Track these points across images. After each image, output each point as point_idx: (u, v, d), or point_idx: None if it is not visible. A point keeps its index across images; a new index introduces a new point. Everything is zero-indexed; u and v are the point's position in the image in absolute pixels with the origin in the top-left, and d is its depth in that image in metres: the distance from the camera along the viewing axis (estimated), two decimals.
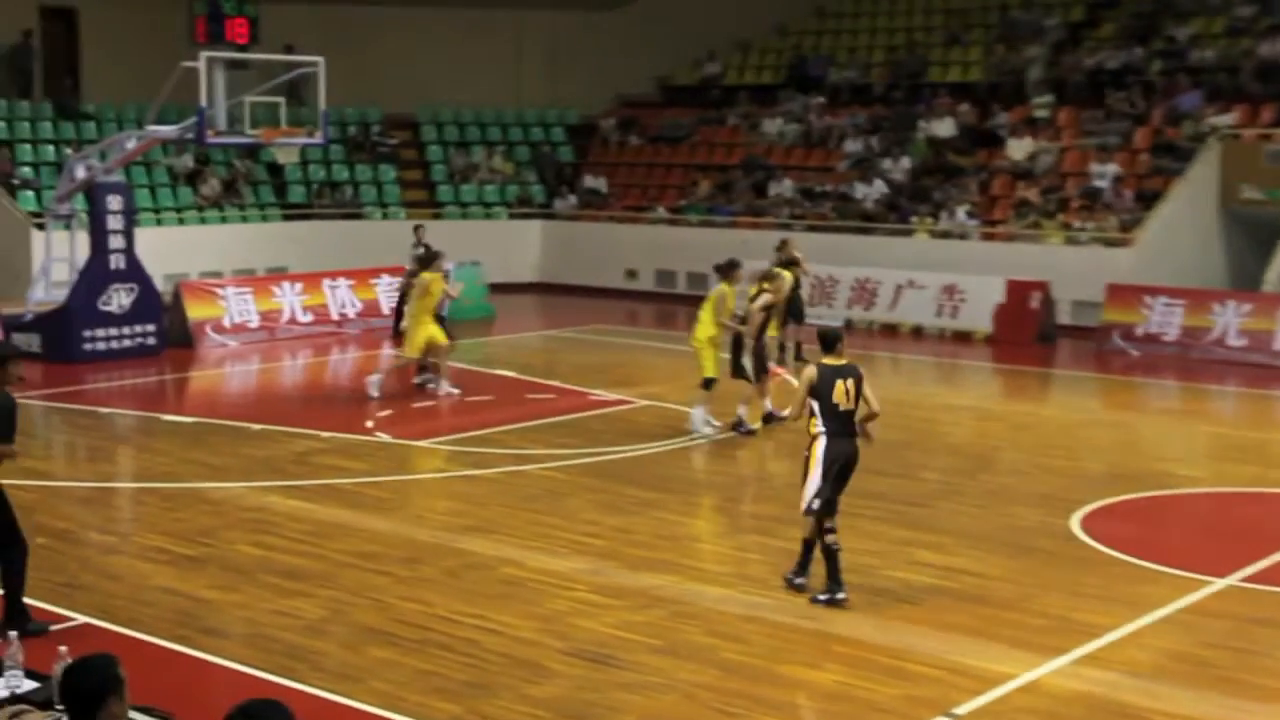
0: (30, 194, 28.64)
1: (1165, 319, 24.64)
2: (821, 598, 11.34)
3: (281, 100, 23.55)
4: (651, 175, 34.65)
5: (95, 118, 31.51)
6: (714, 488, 16.09)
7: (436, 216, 33.15)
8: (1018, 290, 26.01)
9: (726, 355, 17.80)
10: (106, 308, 22.69)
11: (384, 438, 17.43)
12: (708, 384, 17.57)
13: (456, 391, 19.96)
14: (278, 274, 27.93)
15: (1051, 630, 10.86)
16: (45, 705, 6.80)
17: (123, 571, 12.16)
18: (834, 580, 11.37)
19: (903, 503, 14.59)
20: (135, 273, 23.09)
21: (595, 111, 36.67)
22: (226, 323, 24.79)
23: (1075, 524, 13.79)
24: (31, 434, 17.00)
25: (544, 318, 29.57)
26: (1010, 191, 28.97)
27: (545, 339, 26.54)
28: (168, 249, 27.55)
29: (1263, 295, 24.70)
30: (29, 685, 7.60)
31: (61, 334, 22.47)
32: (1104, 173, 27.80)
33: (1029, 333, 25.77)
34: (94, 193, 22.85)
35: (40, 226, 25.57)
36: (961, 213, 28.53)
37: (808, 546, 11.62)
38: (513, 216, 34.02)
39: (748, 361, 17.70)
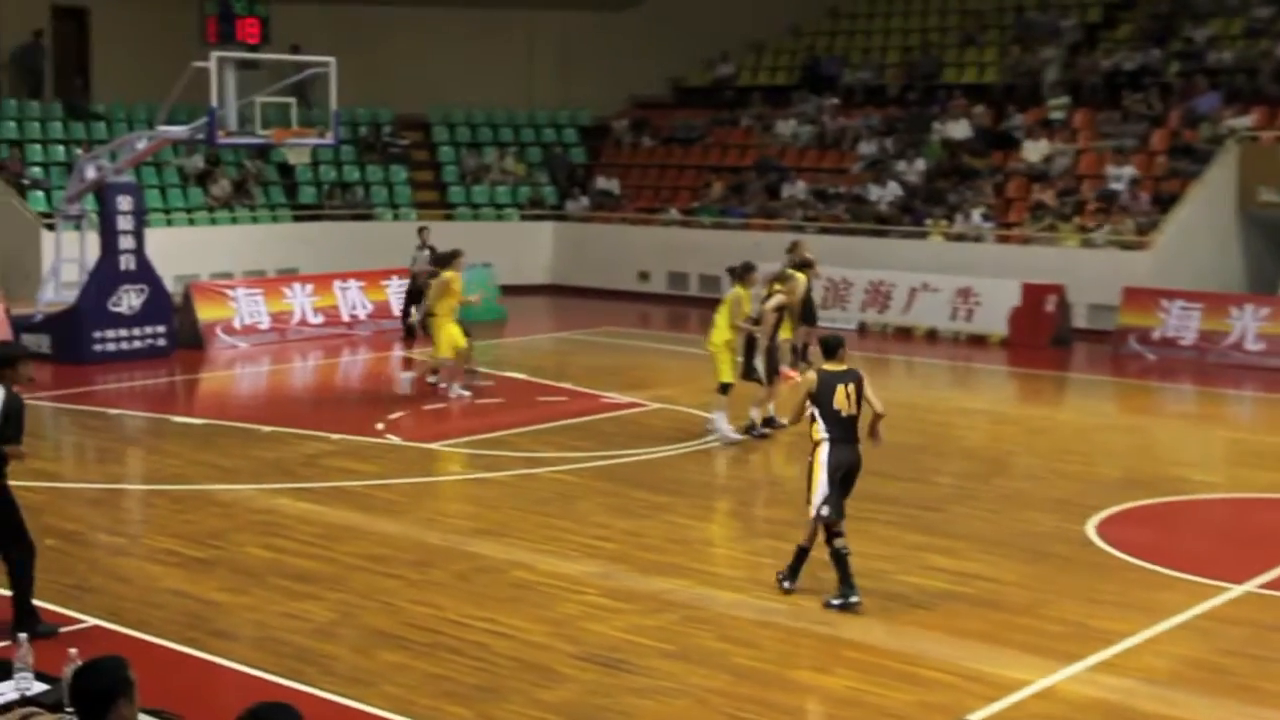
0: (40, 194, 28.65)
1: (1182, 323, 24.51)
2: (835, 602, 11.26)
3: (292, 101, 23.54)
4: (664, 177, 34.57)
5: (106, 118, 31.51)
6: (726, 491, 16.01)
7: (448, 218, 33.14)
8: (1033, 293, 25.88)
9: (741, 358, 17.70)
10: (116, 309, 22.65)
11: (394, 440, 17.36)
12: (724, 389, 17.47)
13: (467, 394, 19.88)
14: (288, 275, 27.88)
15: (1067, 636, 10.76)
16: (55, 708, 6.75)
17: (132, 574, 12.11)
18: (846, 584, 11.29)
19: (916, 507, 14.49)
20: (145, 274, 23.06)
21: (608, 112, 36.60)
22: (237, 324, 24.75)
23: (1091, 529, 13.69)
24: (41, 435, 16.96)
25: (555, 320, 29.51)
26: (1026, 194, 28.85)
27: (557, 341, 26.47)
28: (178, 250, 27.53)
29: None
30: (39, 687, 7.56)
31: (71, 335, 22.44)
32: (1120, 175, 27.67)
33: (1044, 336, 25.64)
34: (104, 193, 22.83)
35: (50, 227, 25.56)
36: (976, 215, 28.42)
37: (802, 553, 11.59)
38: (524, 218, 33.96)
39: (760, 363, 17.61)
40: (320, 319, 25.95)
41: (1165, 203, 26.87)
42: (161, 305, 23.33)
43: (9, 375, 10.21)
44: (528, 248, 32.82)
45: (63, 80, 32.41)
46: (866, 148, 31.65)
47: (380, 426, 17.99)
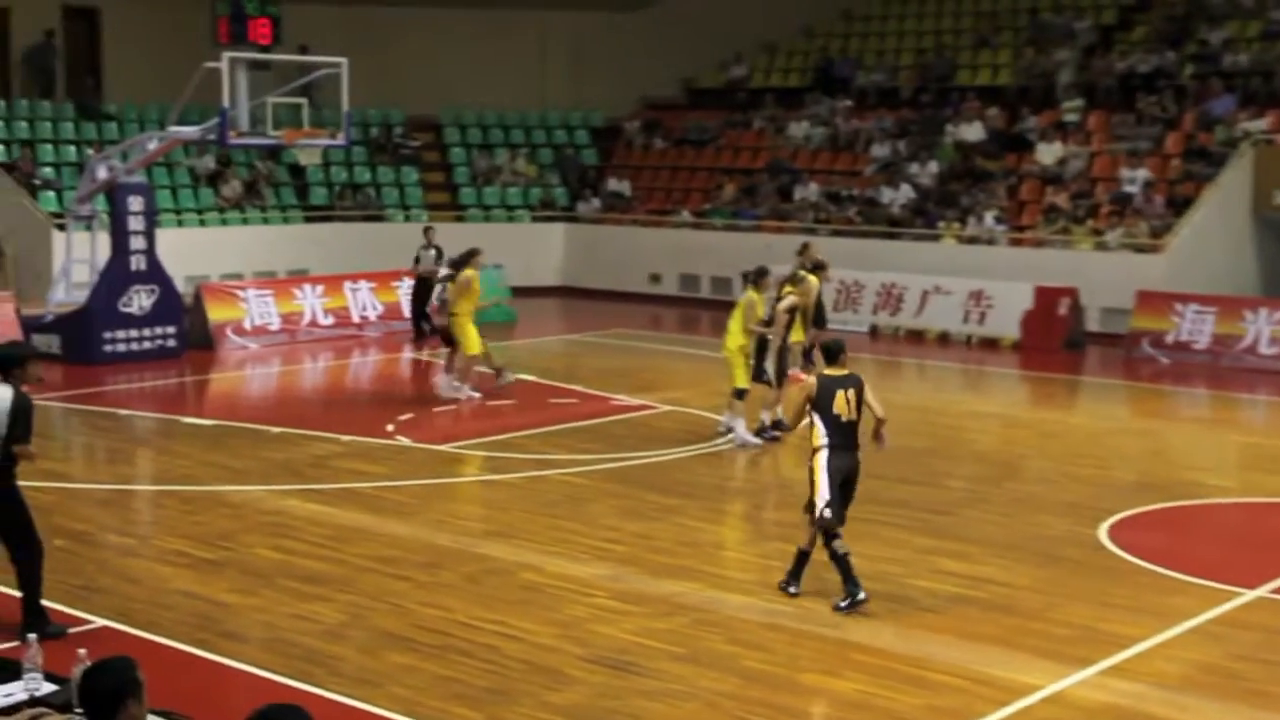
0: (51, 194, 28.67)
1: (1196, 326, 24.44)
2: (843, 604, 11.22)
3: (304, 101, 23.54)
4: (676, 178, 34.53)
5: (117, 118, 31.54)
6: (736, 494, 15.98)
7: (459, 219, 33.13)
8: (1046, 297, 25.80)
9: (752, 360, 17.66)
10: (127, 309, 22.64)
11: (404, 442, 17.33)
12: (740, 395, 17.42)
13: (478, 395, 19.85)
14: (299, 276, 27.88)
15: (1078, 641, 10.72)
16: (64, 708, 6.77)
17: (141, 574, 12.10)
18: (850, 583, 11.26)
19: (927, 510, 14.45)
20: (156, 274, 23.05)
21: (619, 114, 36.57)
22: (247, 325, 24.75)
23: (1103, 533, 13.63)
24: (50, 435, 16.98)
25: (566, 321, 29.49)
26: (1039, 197, 28.78)
27: (567, 343, 26.44)
28: (189, 250, 27.53)
29: None
30: (48, 688, 7.58)
31: (81, 335, 22.44)
32: (1134, 178, 27.60)
33: (1057, 340, 25.57)
34: (115, 193, 22.83)
35: (61, 227, 25.58)
36: (989, 218, 28.35)
37: (803, 556, 11.57)
38: (535, 219, 33.95)
39: (770, 365, 17.57)
40: (331, 320, 25.95)
41: (1179, 206, 26.78)
42: (172, 306, 23.32)
43: (18, 375, 10.21)
44: (539, 249, 32.80)
45: (74, 80, 32.45)
46: (879, 150, 31.59)
47: (390, 428, 17.97)
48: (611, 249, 32.81)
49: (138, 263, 22.82)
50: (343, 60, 23.46)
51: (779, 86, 35.51)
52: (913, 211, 29.58)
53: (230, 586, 11.69)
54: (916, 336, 27.08)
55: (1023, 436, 19.17)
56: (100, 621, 10.72)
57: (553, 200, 34.52)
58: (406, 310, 26.34)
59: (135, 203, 22.82)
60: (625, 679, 9.83)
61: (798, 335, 18.48)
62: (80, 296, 23.17)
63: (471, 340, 19.60)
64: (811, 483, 11.45)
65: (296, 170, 32.15)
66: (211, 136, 23.33)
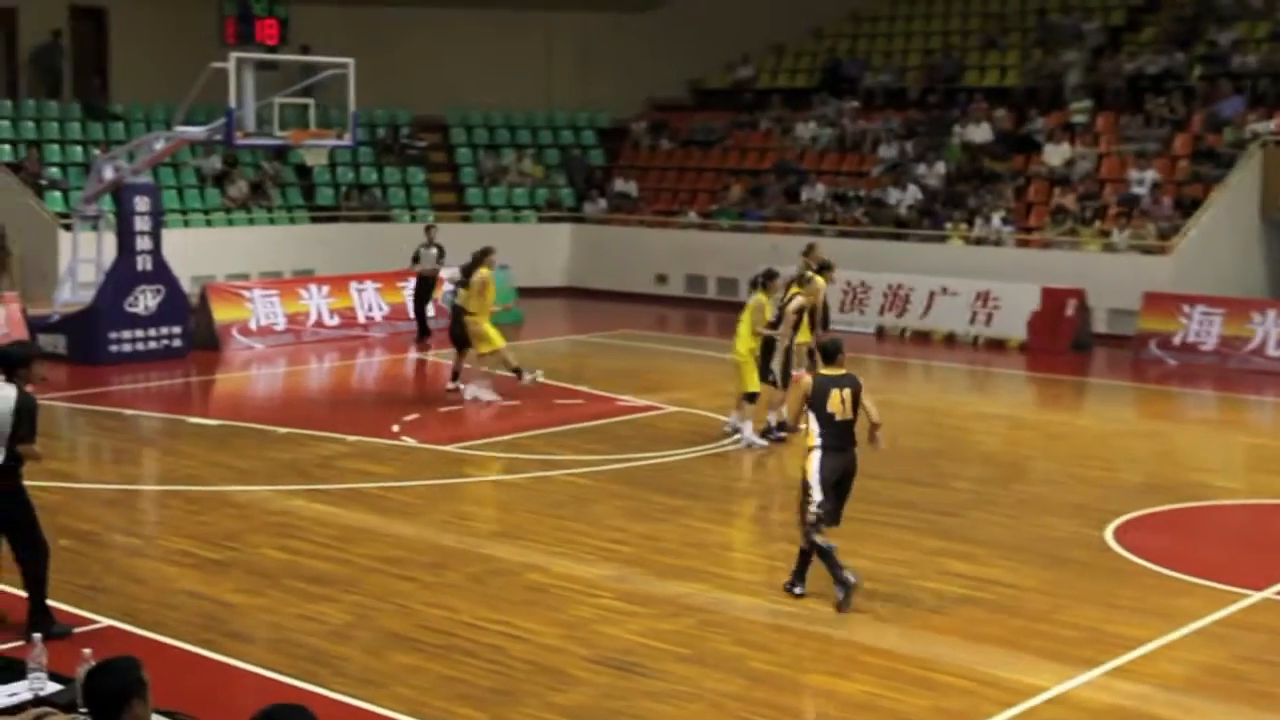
0: (58, 194, 28.68)
1: (1203, 328, 24.40)
2: (840, 599, 11.25)
3: (310, 102, 23.51)
4: (682, 179, 34.51)
5: (124, 118, 31.55)
6: (742, 495, 15.96)
7: (465, 219, 33.14)
8: (1053, 298, 25.77)
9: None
10: (133, 309, 22.65)
11: (410, 442, 17.33)
12: (751, 398, 17.40)
13: (471, 397, 19.84)
14: (304, 276, 27.88)
15: (1083, 642, 10.70)
16: (69, 708, 6.77)
17: (147, 574, 12.10)
18: (836, 570, 11.31)
19: (934, 512, 14.43)
20: (162, 274, 23.06)
21: (626, 114, 36.56)
22: (253, 325, 24.75)
23: (1109, 535, 13.61)
24: (56, 435, 16.98)
25: (572, 322, 29.47)
26: (1046, 198, 28.74)
27: (573, 344, 26.42)
28: (195, 251, 27.55)
29: None
30: (53, 688, 7.60)
31: (87, 335, 22.45)
32: (1142, 179, 27.55)
33: (1064, 341, 25.54)
34: (121, 194, 22.84)
35: (67, 227, 25.59)
36: (996, 219, 28.31)
37: (805, 556, 11.57)
38: (542, 220, 33.93)
39: (776, 365, 17.55)
40: (336, 320, 25.95)
41: (1187, 207, 26.73)
42: (178, 306, 23.33)
43: (22, 375, 10.21)
44: (545, 250, 32.78)
45: (81, 80, 32.47)
46: (886, 151, 31.56)
47: (396, 428, 17.96)
48: (618, 250, 32.79)
49: (144, 263, 22.83)
50: (349, 61, 23.46)
51: (786, 87, 35.47)
52: (920, 212, 29.55)
53: (236, 587, 11.69)
54: (923, 337, 27.05)
55: (1029, 438, 19.15)
56: (105, 621, 10.73)
57: (559, 201, 34.51)
58: (412, 310, 26.31)
59: (141, 203, 22.83)
60: (630, 680, 9.82)
61: (804, 336, 18.45)
62: (86, 296, 23.18)
63: (493, 337, 19.60)
64: (803, 484, 11.48)
65: (303, 170, 32.16)
66: (218, 137, 23.32)
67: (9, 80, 31.70)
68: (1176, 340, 24.59)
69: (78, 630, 10.30)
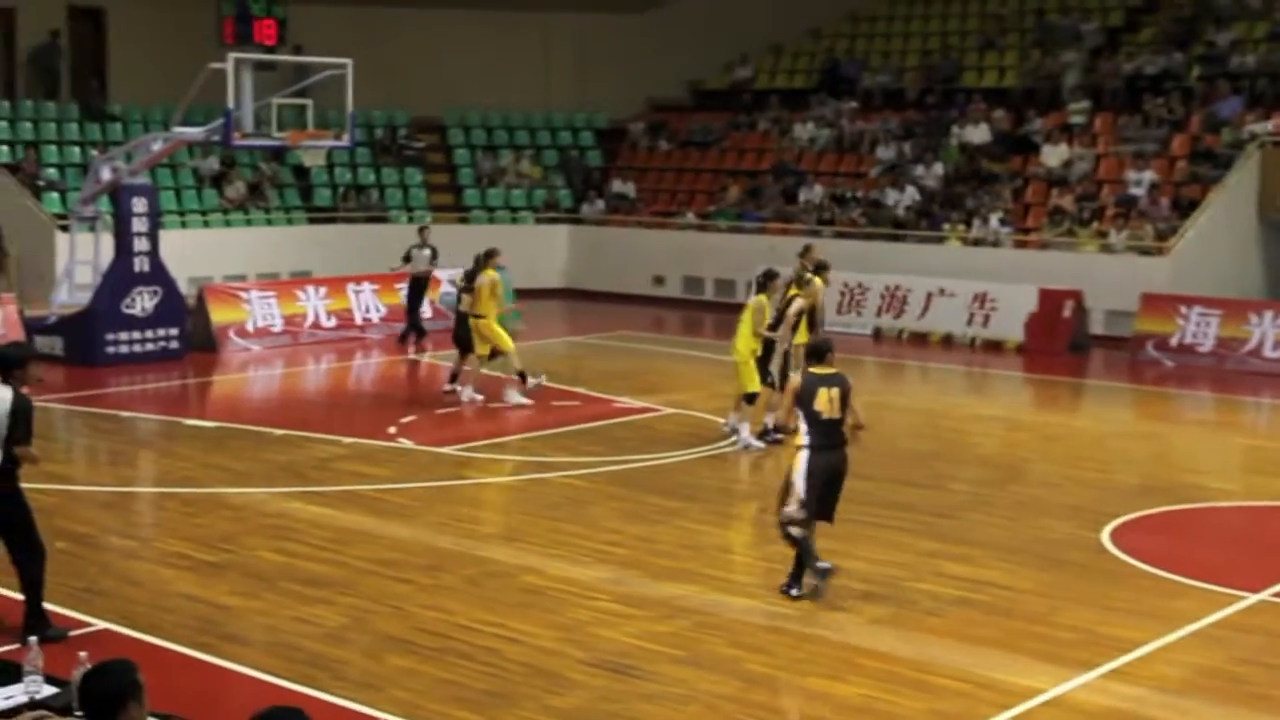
0: (55, 195, 28.67)
1: (1200, 329, 24.40)
2: (817, 583, 11.39)
3: (308, 103, 23.50)
4: (680, 180, 34.50)
5: (122, 119, 31.54)
6: (739, 497, 15.94)
7: (463, 220, 33.14)
8: (1050, 299, 25.77)
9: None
10: (130, 311, 22.63)
11: (406, 444, 17.32)
12: (750, 399, 17.39)
13: (479, 397, 19.84)
14: (302, 278, 27.87)
15: (1080, 644, 10.70)
16: (64, 711, 6.80)
17: (143, 577, 12.08)
18: (811, 559, 11.42)
19: (931, 514, 14.42)
20: (159, 276, 23.04)
21: (625, 115, 36.55)
22: (250, 327, 24.74)
23: (1106, 537, 13.61)
24: (52, 437, 16.98)
25: (570, 324, 29.46)
26: (1044, 199, 28.74)
27: (570, 345, 26.40)
28: (192, 252, 27.52)
29: None
30: (48, 690, 7.61)
31: (84, 337, 22.42)
32: (1140, 180, 27.55)
33: (1061, 342, 25.54)
34: (119, 195, 22.82)
35: (65, 228, 25.55)
36: (994, 220, 28.31)
37: (799, 558, 11.58)
38: (539, 221, 33.93)
39: (775, 367, 17.54)
40: (333, 322, 25.93)
41: (1185, 208, 26.73)
42: (175, 307, 23.30)
43: (18, 376, 10.20)
44: (542, 251, 32.75)
45: (79, 81, 32.45)
46: (884, 152, 31.56)
47: (392, 430, 17.95)
48: (615, 251, 32.78)
49: (141, 264, 22.81)
50: (347, 61, 23.43)
51: (784, 88, 35.44)
52: (917, 213, 29.55)
53: (232, 589, 11.68)
54: (920, 339, 27.04)
55: (1026, 440, 19.15)
56: (101, 624, 10.71)
57: (557, 202, 34.50)
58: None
59: (139, 204, 22.81)
60: (626, 682, 9.82)
61: (803, 338, 18.42)
62: (83, 298, 23.16)
63: (504, 339, 19.59)
64: (786, 481, 11.56)
65: (300, 171, 32.14)
66: (216, 137, 23.32)
67: (7, 81, 31.70)
68: (1173, 341, 24.60)
69: (73, 633, 10.29)
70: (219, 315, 24.42)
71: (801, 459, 11.46)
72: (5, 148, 29.44)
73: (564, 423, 18.69)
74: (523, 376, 19.74)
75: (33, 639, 8.05)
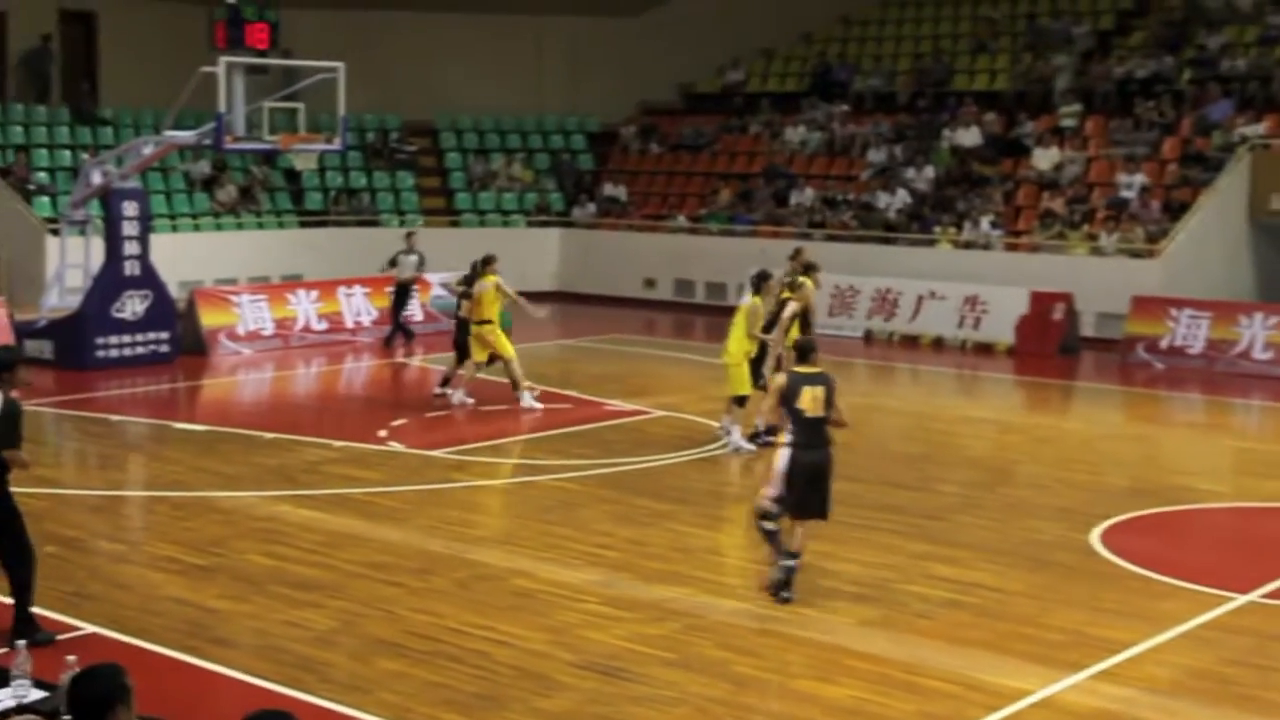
0: (46, 199, 28.65)
1: (1190, 331, 24.44)
2: (778, 577, 11.52)
3: (300, 106, 23.48)
4: (672, 183, 34.52)
5: (113, 123, 31.53)
6: (729, 499, 15.91)
7: (454, 224, 33.14)
8: (1041, 302, 25.81)
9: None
10: (120, 315, 22.59)
11: (397, 447, 17.31)
12: (741, 402, 17.39)
13: (471, 402, 19.82)
14: (292, 281, 27.85)
15: (1069, 646, 10.71)
16: (53, 715, 6.78)
17: (132, 581, 12.06)
18: (779, 552, 11.57)
19: (921, 516, 14.43)
20: (150, 279, 23.00)
21: (617, 119, 36.55)
22: (240, 330, 24.71)
23: (1095, 538, 13.62)
24: (42, 441, 16.94)
25: (561, 327, 29.33)
26: (1035, 202, 28.78)
27: (562, 348, 26.38)
28: (183, 255, 27.52)
29: None
30: (36, 695, 7.54)
31: (74, 341, 22.37)
32: (1131, 183, 27.60)
33: (1052, 345, 25.56)
34: (110, 198, 22.78)
35: (55, 232, 25.55)
36: (985, 223, 28.35)
37: (792, 559, 11.60)
38: (531, 224, 33.93)
39: (768, 370, 17.53)
40: (324, 325, 25.91)
41: (1176, 211, 26.78)
42: (165, 311, 23.27)
43: (6, 380, 10.16)
44: (534, 254, 32.74)
45: (70, 85, 32.44)
46: (876, 155, 31.58)
47: (383, 433, 17.94)
48: (607, 254, 32.80)
49: (131, 268, 22.77)
50: (339, 65, 23.42)
51: (775, 91, 35.48)
52: (908, 216, 29.57)
53: (221, 593, 11.66)
54: (911, 341, 27.06)
55: (1016, 442, 19.16)
56: (90, 628, 10.68)
57: (548, 205, 34.50)
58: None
59: (130, 208, 22.78)
60: (616, 685, 9.81)
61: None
62: (73, 302, 23.11)
63: (506, 346, 19.57)
64: (769, 475, 11.68)
65: (292, 175, 32.13)
66: (207, 141, 23.31)
67: None
68: (1164, 344, 24.63)
69: (62, 637, 10.27)
70: (209, 319, 24.40)
71: (783, 456, 11.56)
72: None
73: (555, 425, 18.68)
74: (515, 386, 19.72)
75: (21, 643, 8.00)
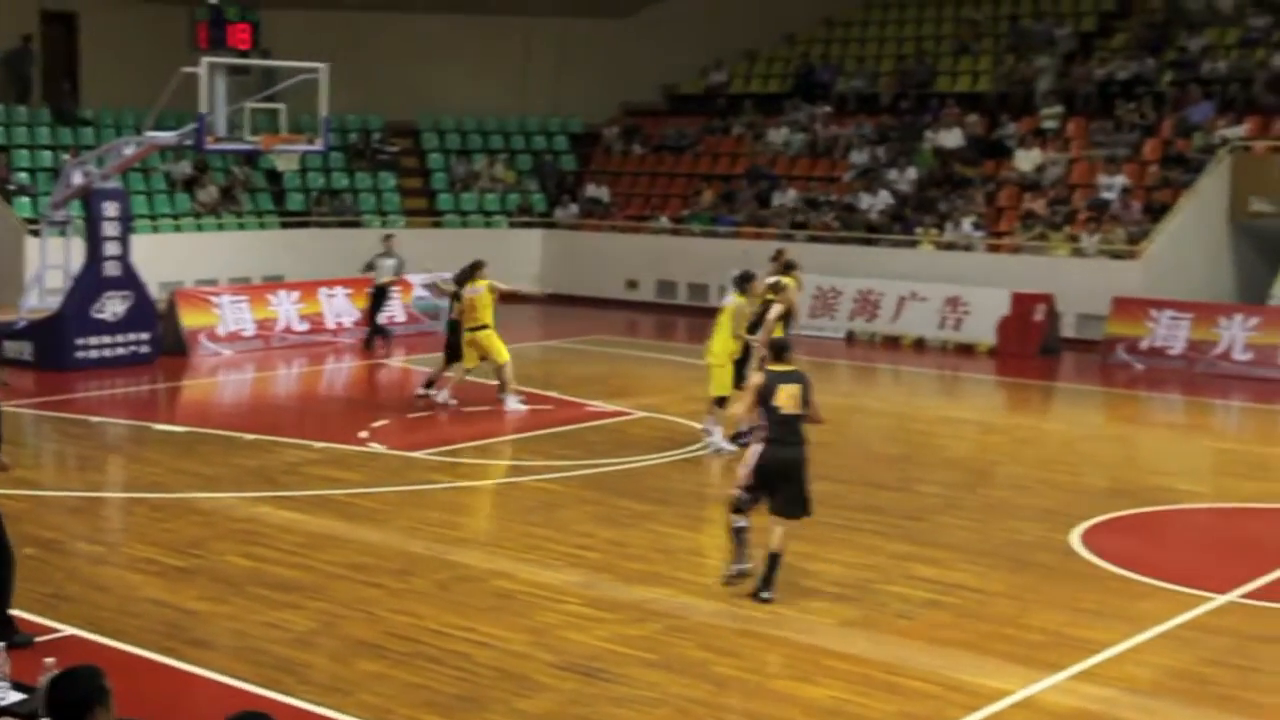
0: (26, 200, 28.55)
1: (1171, 332, 24.50)
2: (730, 572, 11.68)
3: (282, 107, 23.42)
4: (655, 184, 34.51)
5: (94, 123, 31.44)
6: (710, 500, 15.88)
7: (436, 225, 33.10)
8: (1022, 303, 25.85)
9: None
10: (100, 315, 22.51)
11: (378, 448, 17.28)
12: (721, 402, 17.38)
13: (454, 402, 19.79)
14: (274, 282, 27.79)
15: (1049, 646, 10.72)
16: (31, 717, 6.77)
17: (111, 582, 12.01)
18: (740, 550, 11.70)
19: (901, 517, 14.44)
20: (130, 280, 22.93)
21: (600, 120, 36.55)
22: (221, 331, 24.64)
23: (1075, 539, 13.64)
24: (21, 443, 16.83)
25: (543, 328, 29.39)
26: (1017, 203, 28.82)
27: (544, 349, 26.36)
28: (164, 256, 27.44)
29: (1270, 309, 24.54)
30: (15, 697, 7.53)
31: (54, 342, 22.29)
32: (1112, 184, 27.66)
33: (1033, 346, 25.62)
34: (90, 199, 22.70)
35: (35, 233, 25.49)
36: (967, 224, 28.39)
37: (773, 560, 11.65)
38: (513, 225, 33.90)
39: (753, 370, 17.51)
40: (305, 326, 25.86)
41: (1157, 212, 26.85)
42: (146, 312, 23.18)
43: None
44: (516, 255, 32.66)
45: (51, 85, 32.34)
46: (858, 156, 31.62)
47: (364, 435, 17.90)
48: (589, 255, 32.79)
49: (112, 269, 22.70)
50: (321, 66, 23.37)
51: (758, 93, 35.50)
52: (891, 218, 29.61)
53: (200, 594, 11.62)
54: (893, 342, 27.09)
55: (997, 442, 19.19)
56: (68, 630, 10.63)
57: (530, 206, 34.49)
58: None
59: (110, 208, 22.71)
60: (596, 686, 9.80)
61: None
62: (54, 303, 23.04)
63: (501, 350, 19.53)
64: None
65: (273, 176, 32.06)
66: (188, 142, 23.24)
67: None
68: (1144, 345, 24.68)
69: (40, 639, 10.20)
70: (190, 320, 24.33)
71: (755, 450, 11.73)
72: None
73: (536, 427, 18.67)
74: (502, 387, 19.69)
75: None
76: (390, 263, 25.28)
